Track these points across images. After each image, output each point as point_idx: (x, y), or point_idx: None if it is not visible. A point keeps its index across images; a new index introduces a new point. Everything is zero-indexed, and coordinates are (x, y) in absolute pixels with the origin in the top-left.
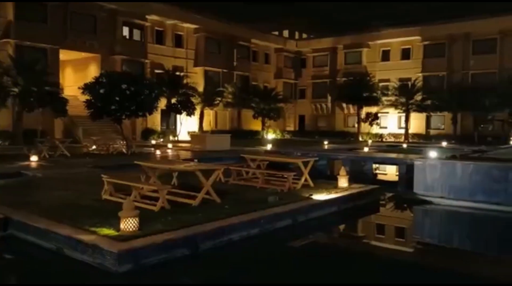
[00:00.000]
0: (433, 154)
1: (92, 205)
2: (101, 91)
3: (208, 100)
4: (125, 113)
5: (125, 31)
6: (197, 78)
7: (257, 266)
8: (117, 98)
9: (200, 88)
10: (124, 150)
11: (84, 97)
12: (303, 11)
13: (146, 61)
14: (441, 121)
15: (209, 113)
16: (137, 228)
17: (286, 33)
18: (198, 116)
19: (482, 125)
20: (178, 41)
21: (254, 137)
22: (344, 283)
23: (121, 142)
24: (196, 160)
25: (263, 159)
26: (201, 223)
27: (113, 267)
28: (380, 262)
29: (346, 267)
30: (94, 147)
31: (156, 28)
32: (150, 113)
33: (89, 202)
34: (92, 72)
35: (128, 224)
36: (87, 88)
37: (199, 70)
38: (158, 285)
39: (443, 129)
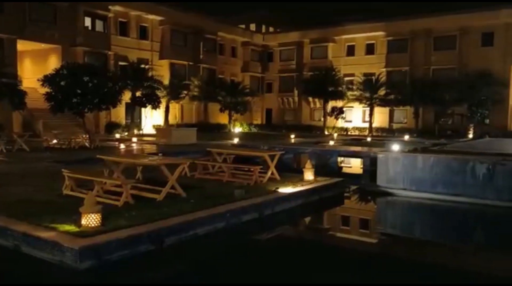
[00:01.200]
0: (395, 147)
1: (52, 201)
2: (62, 83)
3: (174, 93)
4: (87, 106)
5: (87, 21)
6: (162, 70)
7: (223, 260)
8: (79, 91)
9: (166, 81)
10: (86, 144)
11: (44, 90)
12: (270, 4)
13: (110, 53)
14: (404, 115)
15: (175, 107)
16: (99, 224)
17: (253, 26)
18: (164, 110)
19: (442, 119)
20: (143, 33)
21: (221, 131)
22: (318, 278)
23: (84, 136)
24: (160, 154)
25: (229, 153)
26: (166, 217)
27: (74, 264)
28: (345, 253)
29: (312, 259)
30: (55, 141)
31: (120, 19)
32: (114, 106)
33: (49, 198)
34: (53, 63)
35: (90, 219)
36: (47, 80)
37: (165, 63)
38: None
39: (406, 123)
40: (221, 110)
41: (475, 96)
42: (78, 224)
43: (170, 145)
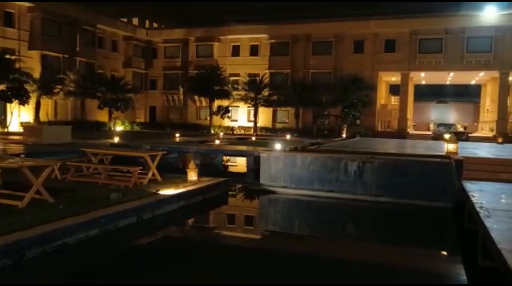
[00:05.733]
0: (277, 146)
1: None
2: None
3: (46, 88)
4: None
5: None
6: (32, 62)
7: (93, 270)
8: None
9: (37, 74)
10: None
11: None
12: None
13: None
14: (286, 115)
15: (47, 102)
16: None
17: (136, 21)
18: (34, 106)
19: (320, 120)
20: (8, 20)
21: (101, 129)
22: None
23: None
24: (23, 155)
25: (106, 153)
26: (27, 227)
27: None
28: (227, 251)
29: (194, 260)
30: None
31: None
32: None
33: None
34: None
35: None
36: None
37: (35, 54)
38: None
39: (288, 123)
40: (100, 107)
41: (348, 99)
42: None
43: (40, 145)
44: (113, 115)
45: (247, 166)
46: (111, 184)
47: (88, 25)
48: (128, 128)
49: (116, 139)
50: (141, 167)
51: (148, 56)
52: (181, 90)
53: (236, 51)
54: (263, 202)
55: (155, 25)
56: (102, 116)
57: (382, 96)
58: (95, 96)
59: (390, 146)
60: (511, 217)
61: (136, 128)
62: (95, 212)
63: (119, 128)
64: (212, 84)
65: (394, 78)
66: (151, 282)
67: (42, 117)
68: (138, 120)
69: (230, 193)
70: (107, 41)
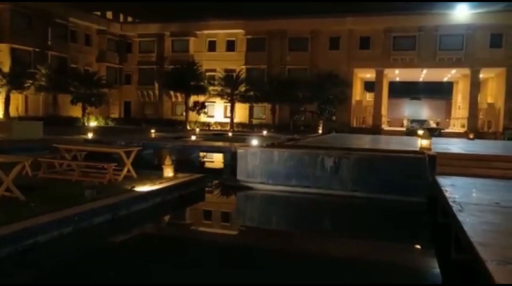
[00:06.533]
0: (254, 142)
1: None
2: None
3: (16, 82)
4: None
5: None
6: (1, 56)
7: (68, 268)
8: None
9: (6, 68)
10: None
11: None
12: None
13: None
14: (262, 111)
15: (17, 97)
16: None
17: (109, 14)
18: (3, 101)
19: (296, 116)
20: None
21: (74, 125)
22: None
23: None
24: None
25: (80, 149)
26: None
27: None
28: (203, 247)
29: (168, 258)
30: None
31: None
32: None
33: None
34: None
35: None
36: None
37: (4, 48)
38: None
39: (264, 118)
40: (73, 102)
41: (324, 95)
42: None
43: (10, 141)
44: (86, 111)
45: (224, 162)
46: (85, 181)
47: (60, 18)
48: (102, 124)
49: (90, 135)
50: (116, 164)
51: (122, 51)
52: (156, 85)
53: (212, 46)
54: (240, 198)
55: (129, 19)
56: (76, 111)
57: (357, 92)
58: (68, 91)
59: (365, 141)
60: (483, 211)
61: (111, 123)
62: (69, 210)
63: (93, 123)
64: (188, 79)
65: (369, 75)
66: (126, 281)
67: (12, 113)
68: (112, 116)
69: (207, 189)
70: (80, 34)
